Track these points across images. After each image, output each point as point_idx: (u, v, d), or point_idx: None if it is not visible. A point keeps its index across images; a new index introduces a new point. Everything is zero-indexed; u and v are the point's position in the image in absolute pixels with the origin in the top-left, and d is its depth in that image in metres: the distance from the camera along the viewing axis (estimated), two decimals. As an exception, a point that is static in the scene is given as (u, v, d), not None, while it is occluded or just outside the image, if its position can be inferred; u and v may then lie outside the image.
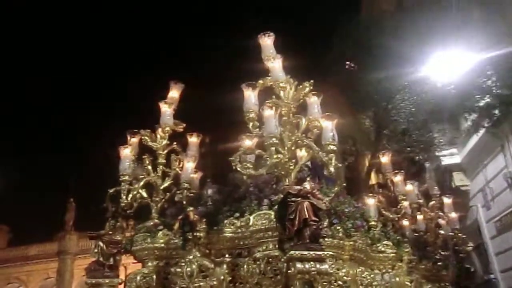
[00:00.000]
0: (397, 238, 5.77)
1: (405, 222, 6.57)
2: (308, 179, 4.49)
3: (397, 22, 7.83)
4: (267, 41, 4.45)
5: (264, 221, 3.99)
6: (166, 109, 5.20)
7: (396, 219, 5.91)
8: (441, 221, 7.49)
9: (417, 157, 8.60)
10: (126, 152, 4.98)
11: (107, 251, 4.61)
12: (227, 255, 4.25)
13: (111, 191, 5.00)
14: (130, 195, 4.72)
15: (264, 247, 3.98)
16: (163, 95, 5.55)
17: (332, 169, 3.95)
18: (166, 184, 5.17)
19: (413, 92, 7.70)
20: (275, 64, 4.26)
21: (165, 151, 5.28)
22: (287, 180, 4.06)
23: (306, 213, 3.54)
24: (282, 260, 3.67)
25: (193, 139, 5.28)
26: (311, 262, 3.37)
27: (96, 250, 4.63)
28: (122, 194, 4.79)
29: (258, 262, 3.86)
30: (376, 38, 7.70)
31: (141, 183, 4.86)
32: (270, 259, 3.79)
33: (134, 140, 5.36)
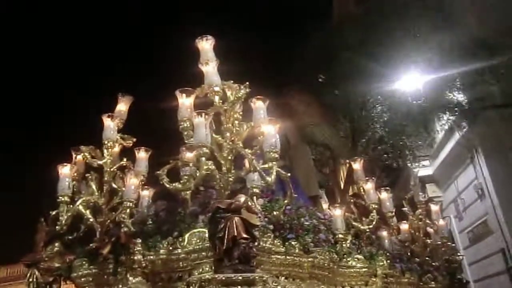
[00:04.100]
0: (371, 251, 5.35)
1: (384, 233, 6.17)
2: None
3: (363, 35, 7.77)
4: (205, 45, 4.09)
5: (198, 240, 3.60)
6: (109, 123, 4.85)
7: (367, 230, 5.47)
8: (429, 230, 7.07)
9: (395, 164, 8.31)
10: (65, 171, 4.64)
11: (42, 280, 4.25)
12: (166, 280, 3.86)
13: (53, 213, 4.67)
14: (65, 217, 4.33)
15: (200, 270, 3.58)
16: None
17: (271, 179, 3.55)
18: (113, 204, 4.82)
19: (385, 101, 7.54)
20: (208, 68, 3.89)
21: (112, 169, 4.93)
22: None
23: (235, 230, 3.14)
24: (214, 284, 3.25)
25: (141, 154, 4.91)
26: (239, 287, 2.96)
27: (30, 279, 4.27)
28: (60, 216, 4.44)
29: (191, 287, 3.45)
30: (344, 49, 7.59)
31: (78, 203, 4.48)
32: (203, 283, 3.36)
33: (80, 157, 5.03)
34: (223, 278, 2.98)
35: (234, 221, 3.17)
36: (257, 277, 3.02)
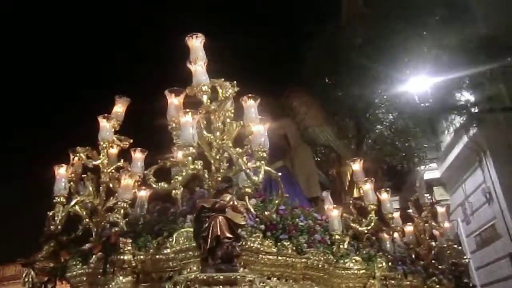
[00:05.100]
0: (369, 252, 5.26)
1: (385, 235, 6.07)
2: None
3: (370, 35, 7.69)
4: (195, 43, 4.07)
5: (185, 240, 3.58)
6: (105, 124, 4.88)
7: (366, 231, 5.38)
8: (435, 232, 6.95)
9: (400, 166, 8.19)
10: (61, 172, 4.68)
11: (37, 280, 4.29)
12: (156, 279, 3.86)
13: (50, 213, 4.71)
14: (60, 217, 4.36)
15: (188, 269, 3.56)
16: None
17: (258, 178, 3.52)
18: (109, 204, 4.84)
19: (391, 102, 7.45)
20: (197, 67, 3.87)
21: (109, 170, 4.95)
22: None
23: (219, 229, 3.12)
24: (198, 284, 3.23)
25: (137, 155, 4.92)
26: (220, 286, 2.94)
27: (26, 279, 4.31)
28: (56, 217, 4.48)
29: (177, 287, 3.43)
30: (351, 50, 7.52)
31: (72, 203, 4.51)
32: (189, 283, 3.35)
33: (77, 158, 5.07)
34: (205, 278, 2.97)
35: (218, 220, 3.16)
36: (238, 277, 2.99)
